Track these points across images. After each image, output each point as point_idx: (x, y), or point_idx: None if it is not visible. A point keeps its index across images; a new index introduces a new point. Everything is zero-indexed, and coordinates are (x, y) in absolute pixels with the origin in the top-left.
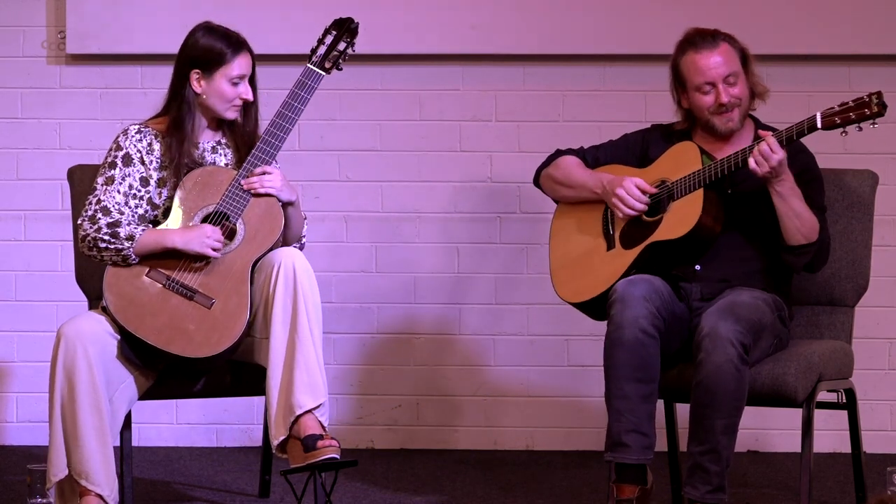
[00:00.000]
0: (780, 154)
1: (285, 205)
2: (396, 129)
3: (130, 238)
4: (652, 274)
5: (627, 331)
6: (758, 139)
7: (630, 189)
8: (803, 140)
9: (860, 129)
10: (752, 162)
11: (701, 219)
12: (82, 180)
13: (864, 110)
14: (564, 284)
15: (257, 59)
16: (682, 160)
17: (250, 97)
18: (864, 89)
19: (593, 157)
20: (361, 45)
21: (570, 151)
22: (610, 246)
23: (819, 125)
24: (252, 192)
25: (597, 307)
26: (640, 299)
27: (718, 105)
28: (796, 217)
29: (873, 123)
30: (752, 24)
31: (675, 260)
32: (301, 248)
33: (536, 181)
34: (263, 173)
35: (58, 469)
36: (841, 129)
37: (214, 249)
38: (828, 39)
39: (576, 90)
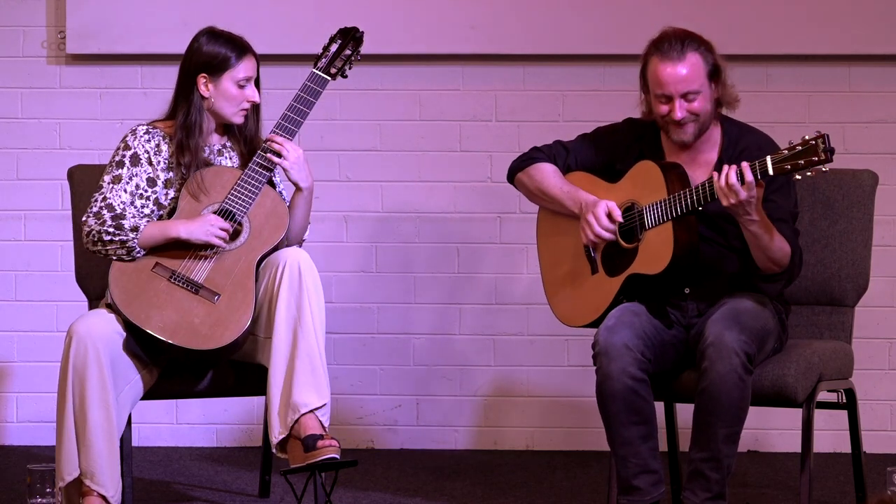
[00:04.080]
0: (743, 194)
1: (295, 192)
2: (396, 129)
3: (135, 229)
4: (641, 296)
5: (616, 382)
6: (724, 155)
7: (599, 217)
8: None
9: (811, 174)
10: (717, 191)
11: (675, 254)
12: (82, 180)
13: (811, 157)
14: (557, 303)
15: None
16: (646, 182)
17: (257, 99)
18: (864, 89)
19: (564, 163)
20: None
21: (543, 154)
22: (594, 269)
23: (770, 172)
24: (270, 151)
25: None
26: (622, 349)
27: (673, 119)
28: (767, 249)
29: (823, 170)
30: (752, 24)
31: (661, 285)
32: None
33: (511, 180)
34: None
35: (69, 469)
36: (793, 175)
37: (220, 239)
38: (828, 39)
39: (576, 90)
